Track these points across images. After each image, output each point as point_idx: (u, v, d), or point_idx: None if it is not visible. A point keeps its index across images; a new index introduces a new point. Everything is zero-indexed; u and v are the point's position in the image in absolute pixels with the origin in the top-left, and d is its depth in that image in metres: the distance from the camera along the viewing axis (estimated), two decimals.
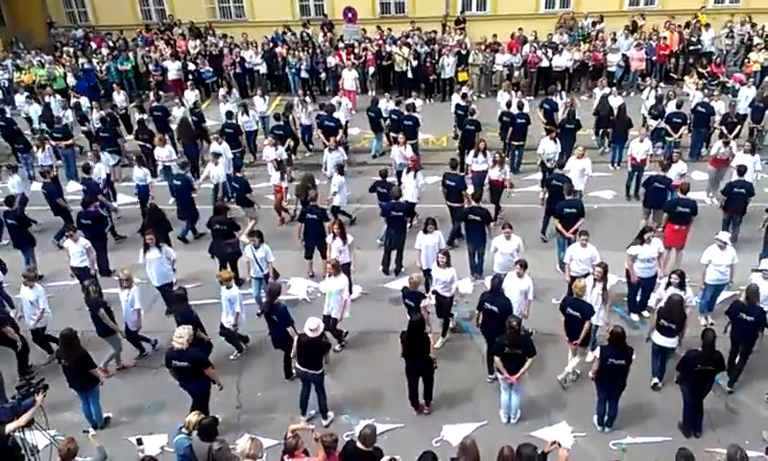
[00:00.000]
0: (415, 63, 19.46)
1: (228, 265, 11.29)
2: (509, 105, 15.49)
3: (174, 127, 16.11)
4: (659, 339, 8.48)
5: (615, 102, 15.75)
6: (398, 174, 13.73)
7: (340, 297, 9.29)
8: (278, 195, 13.23)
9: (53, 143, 15.08)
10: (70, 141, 15.59)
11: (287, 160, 14.32)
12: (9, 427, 6.93)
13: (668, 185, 11.69)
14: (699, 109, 15.02)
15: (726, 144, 13.17)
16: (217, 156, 13.52)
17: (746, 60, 19.41)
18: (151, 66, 20.47)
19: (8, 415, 7.06)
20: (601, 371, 7.79)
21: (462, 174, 12.69)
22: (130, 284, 9.26)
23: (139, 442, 6.98)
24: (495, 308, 8.52)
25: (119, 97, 18.02)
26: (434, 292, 9.49)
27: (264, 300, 10.49)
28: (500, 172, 12.62)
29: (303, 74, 19.93)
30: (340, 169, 12.82)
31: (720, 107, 15.16)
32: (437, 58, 19.54)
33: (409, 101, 16.15)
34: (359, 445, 6.53)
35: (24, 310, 9.55)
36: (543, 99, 15.76)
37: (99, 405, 8.52)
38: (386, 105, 16.34)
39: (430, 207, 12.31)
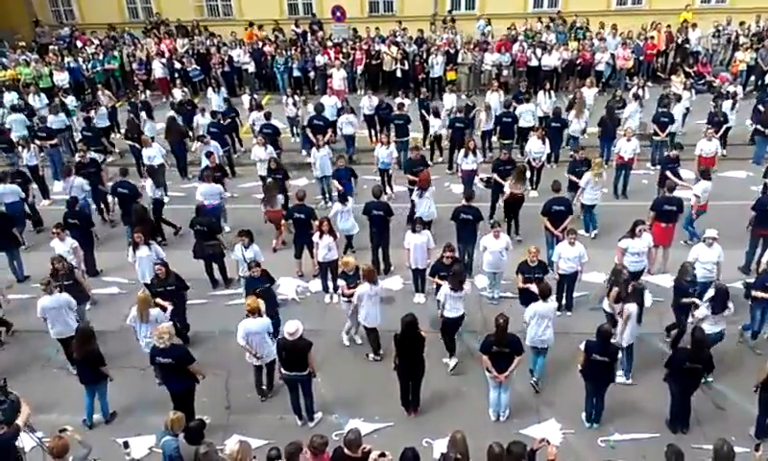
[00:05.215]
0: (406, 66, 19.34)
1: (214, 265, 11.24)
2: (507, 105, 15.37)
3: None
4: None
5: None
6: (381, 172, 13.75)
7: None
8: None
9: (38, 142, 14.91)
10: (55, 141, 15.45)
11: None
12: (19, 422, 6.89)
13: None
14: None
15: (709, 140, 13.27)
16: None
17: (732, 60, 19.57)
18: (135, 65, 20.23)
19: (9, 415, 6.99)
20: (587, 366, 7.84)
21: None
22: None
23: (125, 445, 6.91)
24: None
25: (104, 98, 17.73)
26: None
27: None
28: (522, 188, 11.91)
29: (295, 73, 19.85)
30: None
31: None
32: (425, 57, 19.53)
33: (397, 100, 16.10)
34: (346, 450, 6.45)
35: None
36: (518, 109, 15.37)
37: (107, 400, 8.49)
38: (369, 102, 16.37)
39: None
